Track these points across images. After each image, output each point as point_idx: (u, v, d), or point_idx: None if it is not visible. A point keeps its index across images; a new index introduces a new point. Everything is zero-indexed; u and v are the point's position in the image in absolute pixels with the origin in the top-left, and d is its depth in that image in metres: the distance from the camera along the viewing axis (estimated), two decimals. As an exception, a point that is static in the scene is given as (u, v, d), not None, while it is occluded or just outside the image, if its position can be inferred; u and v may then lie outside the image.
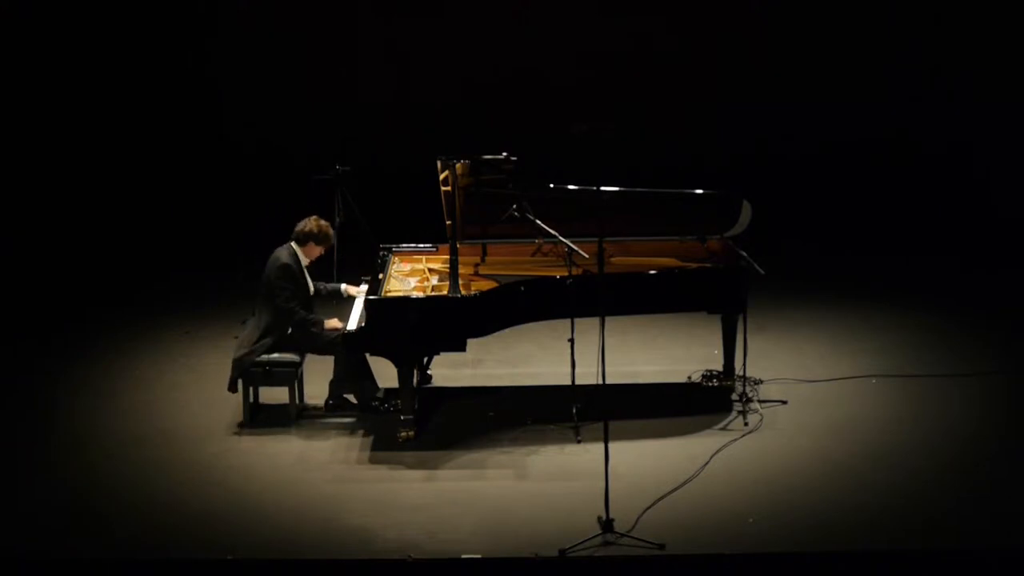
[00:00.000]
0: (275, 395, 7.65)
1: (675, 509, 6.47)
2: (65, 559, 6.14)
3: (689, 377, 8.20)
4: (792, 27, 12.07)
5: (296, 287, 7.52)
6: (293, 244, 7.60)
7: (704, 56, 12.15)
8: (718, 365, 8.04)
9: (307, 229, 7.61)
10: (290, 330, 7.56)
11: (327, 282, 7.94)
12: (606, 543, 6.10)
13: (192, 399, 8.00)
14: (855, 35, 12.05)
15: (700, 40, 12.13)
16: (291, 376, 7.56)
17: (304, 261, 7.64)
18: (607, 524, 6.15)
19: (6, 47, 11.79)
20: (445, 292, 7.43)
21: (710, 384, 8.05)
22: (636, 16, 12.02)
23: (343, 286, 7.88)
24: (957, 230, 11.23)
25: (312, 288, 7.70)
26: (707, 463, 6.96)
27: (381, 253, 8.09)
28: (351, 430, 7.53)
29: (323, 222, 7.69)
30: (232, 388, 7.56)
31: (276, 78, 12.16)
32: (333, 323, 7.58)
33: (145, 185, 12.02)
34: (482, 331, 7.40)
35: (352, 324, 7.44)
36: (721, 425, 7.52)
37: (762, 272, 7.58)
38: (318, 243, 7.64)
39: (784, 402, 7.76)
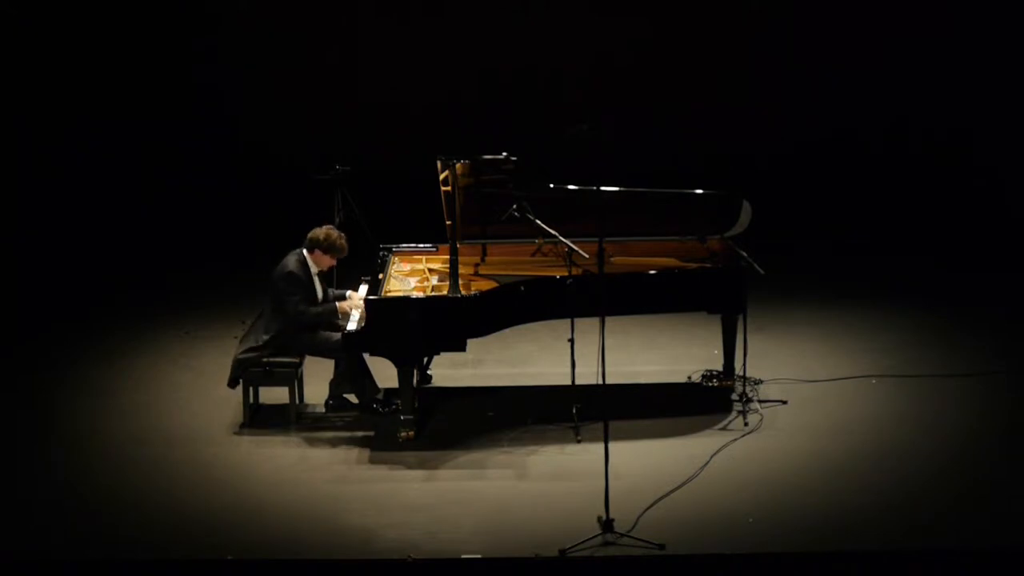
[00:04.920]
0: (275, 395, 7.65)
1: (675, 509, 6.47)
2: (65, 559, 6.14)
3: (689, 377, 8.20)
4: (792, 25, 12.07)
5: (305, 293, 7.48)
6: (304, 251, 7.56)
7: (704, 56, 12.15)
8: (718, 365, 8.03)
9: (314, 236, 7.50)
10: (313, 329, 7.51)
11: (335, 288, 7.92)
12: (606, 543, 6.10)
13: (192, 399, 7.99)
14: (855, 32, 12.04)
15: (699, 39, 12.13)
16: (291, 376, 7.56)
17: (314, 269, 7.58)
18: (607, 524, 6.15)
19: (6, 47, 11.79)
20: (445, 292, 7.43)
21: (710, 384, 8.05)
22: (636, 16, 12.02)
23: (348, 293, 7.79)
24: (958, 229, 11.23)
25: (321, 296, 7.63)
26: (707, 463, 6.96)
27: (381, 253, 8.09)
28: (351, 430, 7.53)
29: (334, 232, 7.53)
30: (232, 385, 7.55)
31: (276, 78, 12.16)
32: (344, 307, 7.54)
33: (145, 184, 12.02)
34: (482, 331, 7.40)
35: (352, 324, 7.44)
36: (721, 425, 7.52)
37: (762, 272, 7.59)
38: (324, 252, 7.52)
39: (784, 402, 7.76)
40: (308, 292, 7.50)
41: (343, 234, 7.63)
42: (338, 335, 7.43)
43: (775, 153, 12.01)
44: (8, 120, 11.78)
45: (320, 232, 7.54)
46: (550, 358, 8.44)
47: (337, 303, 7.59)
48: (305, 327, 7.47)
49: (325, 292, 7.69)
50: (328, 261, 7.61)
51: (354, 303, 7.55)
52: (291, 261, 7.49)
